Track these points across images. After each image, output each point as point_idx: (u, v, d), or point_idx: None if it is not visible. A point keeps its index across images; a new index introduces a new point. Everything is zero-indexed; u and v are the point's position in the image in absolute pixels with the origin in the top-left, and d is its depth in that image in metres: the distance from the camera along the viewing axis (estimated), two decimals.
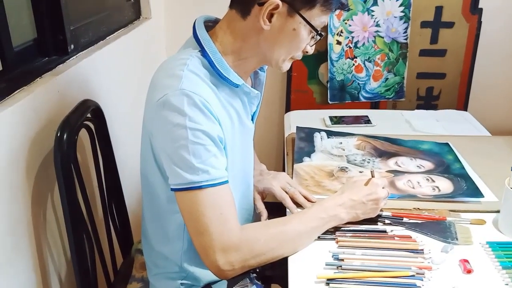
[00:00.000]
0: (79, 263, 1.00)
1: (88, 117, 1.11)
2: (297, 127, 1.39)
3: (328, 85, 1.91)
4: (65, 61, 1.17)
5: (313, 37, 0.94)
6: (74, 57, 1.20)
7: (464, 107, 1.96)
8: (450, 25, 1.85)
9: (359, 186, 0.99)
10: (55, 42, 1.15)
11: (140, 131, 0.96)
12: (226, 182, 0.87)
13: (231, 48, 0.93)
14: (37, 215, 1.00)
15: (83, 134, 1.12)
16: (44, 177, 1.01)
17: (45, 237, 1.04)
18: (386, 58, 1.89)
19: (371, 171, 1.01)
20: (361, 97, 1.95)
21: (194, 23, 0.96)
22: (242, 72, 0.96)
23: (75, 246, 0.99)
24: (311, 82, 1.93)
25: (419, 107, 1.95)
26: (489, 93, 1.98)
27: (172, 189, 0.86)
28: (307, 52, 0.97)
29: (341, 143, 1.34)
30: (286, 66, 0.97)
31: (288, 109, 1.96)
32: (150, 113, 0.89)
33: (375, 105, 1.97)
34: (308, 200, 1.08)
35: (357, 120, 1.52)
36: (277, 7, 0.86)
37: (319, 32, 0.91)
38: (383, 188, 1.00)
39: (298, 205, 1.07)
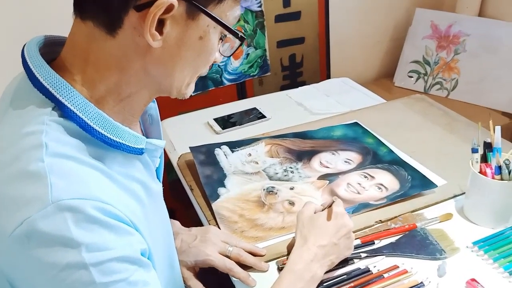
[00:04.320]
0: None
1: None
2: (190, 148, 1.07)
3: None
4: None
5: (221, 39, 0.62)
6: None
7: (327, 68, 1.86)
8: None
9: (322, 225, 0.76)
10: None
11: None
12: None
13: (104, 86, 0.56)
14: None
15: None
16: None
17: None
18: (243, 31, 1.65)
19: (333, 201, 0.77)
20: (224, 81, 1.68)
21: (24, 56, 0.55)
22: (130, 117, 0.61)
23: None
24: None
25: (285, 78, 1.80)
26: (347, 48, 1.92)
27: None
28: (215, 62, 0.65)
29: (250, 154, 1.07)
30: (191, 89, 0.65)
31: None
32: (0, 249, 0.49)
33: (241, 87, 1.73)
34: (255, 255, 0.81)
35: (247, 115, 1.27)
36: (171, 8, 0.52)
37: (240, 35, 0.60)
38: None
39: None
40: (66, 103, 0.52)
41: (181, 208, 1.36)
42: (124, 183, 0.56)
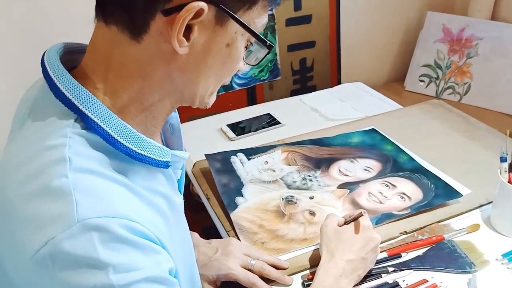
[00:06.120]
0: None
1: None
2: (206, 155, 1.04)
3: None
4: None
5: (246, 47, 0.60)
6: None
7: (338, 72, 1.84)
8: None
9: (349, 239, 0.73)
10: None
11: None
12: None
13: (127, 95, 0.53)
14: None
15: None
16: None
17: None
18: None
19: (361, 214, 0.75)
20: (235, 85, 1.65)
21: (44, 65, 0.53)
22: (152, 128, 0.58)
23: None
24: None
25: (296, 82, 1.77)
26: (358, 52, 1.90)
27: None
28: (238, 70, 0.62)
29: (266, 162, 1.04)
30: (214, 98, 0.62)
31: None
32: (21, 269, 0.46)
33: (251, 91, 1.71)
34: (278, 268, 0.78)
35: (261, 121, 1.24)
36: (200, 13, 0.49)
37: (268, 43, 0.58)
38: None
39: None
40: (89, 114, 0.50)
41: (190, 214, 1.33)
42: (148, 197, 0.53)
